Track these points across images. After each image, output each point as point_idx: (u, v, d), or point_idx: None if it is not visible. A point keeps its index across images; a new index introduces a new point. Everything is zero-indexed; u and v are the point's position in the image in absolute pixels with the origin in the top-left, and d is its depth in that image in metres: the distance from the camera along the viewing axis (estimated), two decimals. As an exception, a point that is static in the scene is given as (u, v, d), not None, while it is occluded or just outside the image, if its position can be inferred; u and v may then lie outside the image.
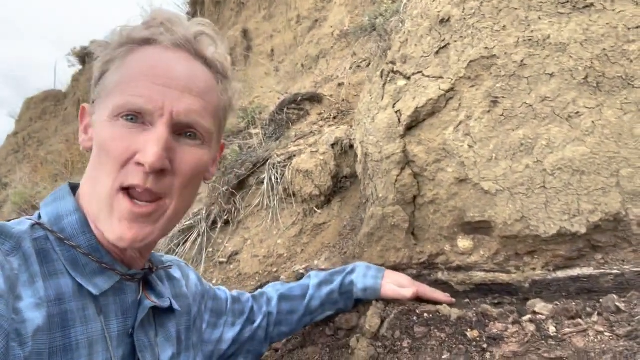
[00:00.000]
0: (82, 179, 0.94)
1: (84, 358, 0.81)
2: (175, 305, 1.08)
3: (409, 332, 1.34)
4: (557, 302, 1.39)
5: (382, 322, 1.43)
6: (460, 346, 1.20)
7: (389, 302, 1.51)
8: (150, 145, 0.79)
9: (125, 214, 0.83)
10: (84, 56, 11.05)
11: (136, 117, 0.82)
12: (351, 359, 1.34)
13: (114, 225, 0.83)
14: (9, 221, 0.83)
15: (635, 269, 1.29)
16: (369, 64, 3.68)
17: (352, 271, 1.51)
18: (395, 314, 1.43)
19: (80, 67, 11.32)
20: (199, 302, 1.24)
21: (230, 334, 1.30)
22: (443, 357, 1.17)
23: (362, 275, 1.49)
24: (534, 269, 1.47)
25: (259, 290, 1.51)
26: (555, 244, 1.43)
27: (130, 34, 0.89)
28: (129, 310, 0.95)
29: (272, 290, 1.49)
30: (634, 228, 1.35)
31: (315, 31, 6.71)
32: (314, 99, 3.03)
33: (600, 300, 1.30)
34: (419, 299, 1.50)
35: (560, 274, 1.43)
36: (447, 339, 1.25)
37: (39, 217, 0.91)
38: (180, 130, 0.88)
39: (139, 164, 0.80)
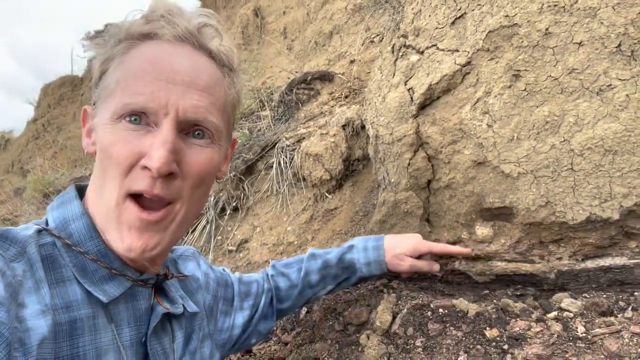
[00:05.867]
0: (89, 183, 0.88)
1: None
2: (193, 308, 1.03)
3: (423, 329, 1.24)
4: (585, 295, 1.27)
5: (394, 317, 1.33)
6: (478, 346, 1.09)
7: (401, 296, 1.42)
8: (155, 148, 0.74)
9: (134, 222, 0.78)
10: (99, 40, 10.96)
11: (139, 118, 0.77)
12: (361, 357, 1.26)
13: (123, 234, 0.79)
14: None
15: (675, 259, 1.16)
16: (382, 38, 3.51)
17: (351, 246, 1.44)
18: (408, 308, 1.33)
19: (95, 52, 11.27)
20: (213, 290, 1.19)
21: (240, 319, 1.27)
22: (459, 358, 1.07)
23: (362, 249, 1.42)
24: (560, 259, 1.35)
25: (262, 270, 1.47)
26: (584, 231, 1.31)
27: (129, 29, 0.82)
28: (141, 317, 0.90)
29: (271, 267, 1.46)
30: (673, 213, 1.21)
31: (329, 6, 6.49)
32: (325, 77, 2.89)
33: (635, 293, 1.18)
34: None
35: (590, 264, 1.31)
36: (463, 338, 1.15)
37: (46, 222, 0.85)
38: (188, 129, 0.82)
39: (145, 168, 0.76)
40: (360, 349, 1.30)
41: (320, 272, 1.39)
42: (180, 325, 1.00)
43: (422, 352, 1.16)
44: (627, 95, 1.29)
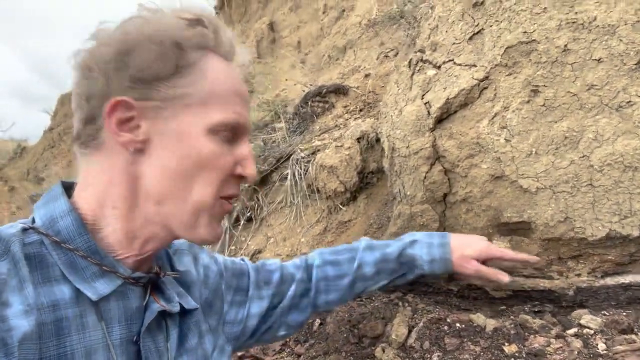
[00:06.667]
0: (100, 179, 0.86)
1: None
2: (191, 304, 1.01)
3: (439, 343, 1.24)
4: (605, 312, 1.26)
5: (410, 331, 1.33)
6: (497, 362, 1.08)
7: (416, 309, 1.41)
8: (249, 160, 0.87)
9: (223, 215, 0.89)
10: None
11: (232, 132, 0.86)
12: (376, 370, 1.25)
13: (214, 226, 0.86)
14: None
15: (697, 278, 1.15)
16: (397, 53, 3.54)
17: (413, 241, 1.32)
18: (424, 322, 1.32)
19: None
20: (215, 284, 1.15)
21: (256, 308, 1.19)
22: (477, 373, 1.06)
23: (426, 245, 1.30)
24: (579, 275, 1.34)
25: (300, 256, 1.39)
26: (603, 247, 1.29)
27: (201, 41, 0.87)
28: (133, 316, 0.88)
29: (316, 255, 1.35)
30: (695, 231, 1.20)
31: (342, 21, 6.57)
32: (340, 91, 2.92)
33: (656, 312, 1.17)
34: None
35: (609, 280, 1.29)
36: (482, 353, 1.14)
37: (33, 221, 0.85)
38: None
39: (241, 176, 0.87)
40: (375, 362, 1.29)
41: (377, 265, 1.29)
42: (175, 323, 0.98)
43: (439, 367, 1.15)
44: (647, 112, 1.29)
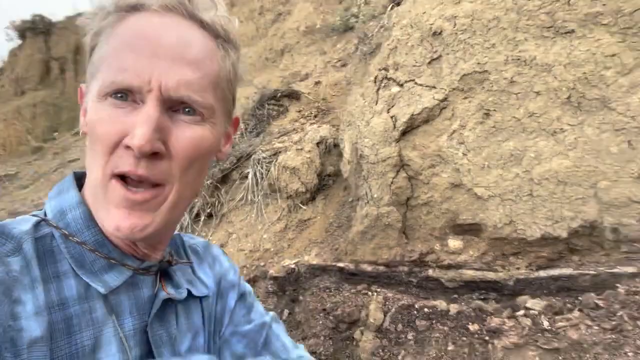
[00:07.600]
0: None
1: None
2: (198, 292, 1.01)
3: (412, 325, 1.45)
4: (538, 299, 1.55)
5: (384, 315, 1.52)
6: (464, 338, 1.32)
7: (387, 297, 1.62)
8: (138, 126, 0.69)
9: (120, 201, 0.72)
10: (25, 30, 10.28)
11: (125, 95, 0.71)
12: (357, 350, 1.43)
13: (111, 213, 0.72)
14: (14, 218, 0.78)
15: (609, 270, 1.47)
16: (344, 64, 3.78)
17: None
18: (396, 308, 1.53)
19: (20, 41, 10.54)
20: (226, 295, 1.13)
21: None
22: (448, 348, 1.28)
23: None
24: (518, 269, 1.62)
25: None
26: (538, 246, 1.59)
27: (117, 1, 0.85)
28: (145, 305, 0.89)
29: None
30: (607, 234, 1.53)
31: (279, 25, 6.71)
32: (292, 95, 3.07)
33: (579, 297, 1.47)
34: None
35: (542, 273, 1.59)
36: (450, 332, 1.37)
37: (45, 213, 0.85)
38: (176, 105, 0.85)
39: (128, 147, 0.70)
40: (355, 343, 1.47)
41: None
42: (187, 310, 1.00)
43: (414, 345, 1.36)
44: (575, 138, 1.60)
